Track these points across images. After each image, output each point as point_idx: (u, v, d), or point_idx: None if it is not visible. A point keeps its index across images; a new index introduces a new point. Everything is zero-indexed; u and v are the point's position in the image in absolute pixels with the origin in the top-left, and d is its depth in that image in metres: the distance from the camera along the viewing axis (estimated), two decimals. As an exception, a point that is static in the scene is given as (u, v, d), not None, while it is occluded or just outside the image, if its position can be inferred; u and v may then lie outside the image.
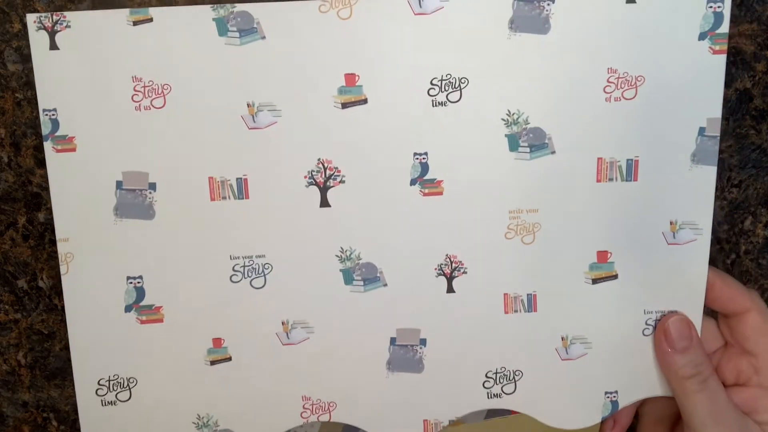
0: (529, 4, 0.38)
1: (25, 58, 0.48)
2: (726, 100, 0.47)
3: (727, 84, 0.47)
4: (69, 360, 0.49)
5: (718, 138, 0.39)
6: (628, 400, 0.42)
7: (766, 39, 0.47)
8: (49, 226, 0.50)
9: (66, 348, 0.49)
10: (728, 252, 0.51)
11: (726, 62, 0.39)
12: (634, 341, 0.42)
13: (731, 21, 0.44)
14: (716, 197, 0.47)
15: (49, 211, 0.49)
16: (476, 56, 0.38)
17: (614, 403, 0.42)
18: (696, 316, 0.42)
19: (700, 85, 0.39)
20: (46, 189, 0.49)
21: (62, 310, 0.49)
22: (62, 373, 0.49)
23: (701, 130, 0.39)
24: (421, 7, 0.38)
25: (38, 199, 0.50)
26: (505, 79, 0.38)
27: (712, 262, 0.48)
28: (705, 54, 0.38)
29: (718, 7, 0.38)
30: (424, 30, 0.38)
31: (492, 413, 0.49)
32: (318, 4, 0.37)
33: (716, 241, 0.51)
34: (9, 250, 0.50)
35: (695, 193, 0.40)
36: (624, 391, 0.42)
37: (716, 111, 0.39)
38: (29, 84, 0.48)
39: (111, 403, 0.42)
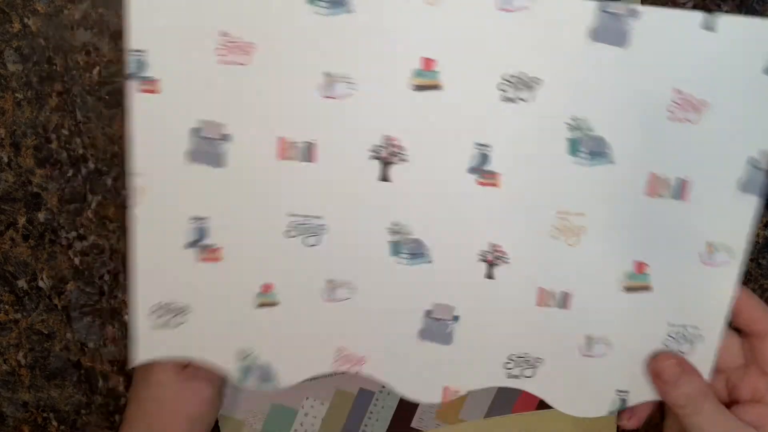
0: (614, 17, 0.39)
1: (25, 58, 0.49)
2: None
3: None
4: (69, 360, 0.51)
5: (765, 171, 0.41)
6: (636, 401, 0.44)
7: None
8: (48, 226, 0.51)
9: (66, 348, 0.51)
10: None
11: None
12: (652, 347, 0.43)
13: None
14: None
15: (49, 211, 0.51)
16: (552, 59, 0.39)
17: (623, 401, 0.44)
18: (714, 337, 0.43)
19: (759, 116, 0.40)
20: (46, 189, 0.51)
21: (62, 310, 0.50)
22: (62, 373, 0.51)
23: (751, 160, 0.40)
24: (506, 3, 0.38)
25: (38, 199, 0.51)
26: (576, 85, 0.40)
27: None
28: (767, 88, 0.40)
29: None
30: (505, 26, 0.39)
31: (493, 411, 0.52)
32: None
33: None
34: (9, 250, 0.51)
35: (736, 220, 0.41)
36: (634, 392, 0.44)
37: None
38: (29, 84, 0.49)
39: (163, 325, 0.43)
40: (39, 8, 0.48)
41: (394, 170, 0.41)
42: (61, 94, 0.50)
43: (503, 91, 0.39)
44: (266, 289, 0.43)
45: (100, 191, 0.51)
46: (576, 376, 0.44)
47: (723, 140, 0.40)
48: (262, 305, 0.43)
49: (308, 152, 0.41)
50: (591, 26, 0.39)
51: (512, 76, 0.39)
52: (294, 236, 0.42)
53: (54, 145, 0.51)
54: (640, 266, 0.42)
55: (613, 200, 0.41)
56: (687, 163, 0.41)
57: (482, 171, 0.41)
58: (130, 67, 0.40)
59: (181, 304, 0.43)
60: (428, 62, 0.39)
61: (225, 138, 0.40)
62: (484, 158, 0.40)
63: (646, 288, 0.42)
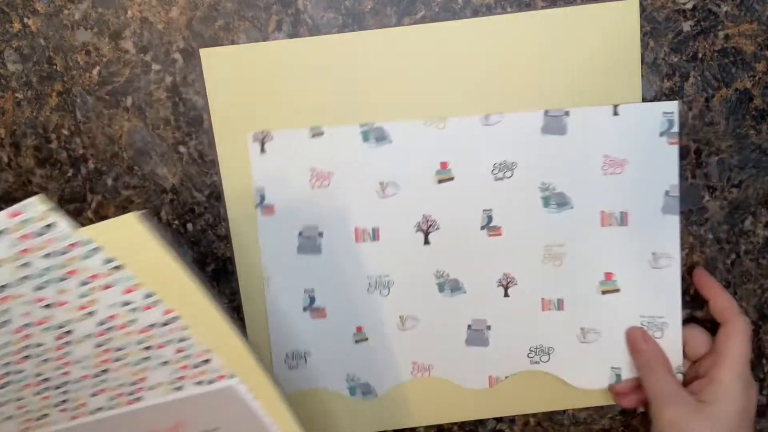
0: (555, 118, 0.49)
1: (25, 58, 0.48)
2: (726, 100, 0.50)
3: (727, 84, 0.50)
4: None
5: (678, 197, 0.49)
6: (628, 375, 0.52)
7: (766, 39, 0.49)
8: None
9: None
10: (728, 252, 0.53)
11: (676, 117, 0.49)
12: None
13: (731, 21, 0.49)
14: (716, 197, 0.51)
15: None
16: (521, 148, 0.50)
17: (618, 376, 0.53)
18: (677, 321, 0.51)
19: (664, 163, 0.50)
20: (46, 189, 0.50)
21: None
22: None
23: (666, 192, 0.50)
24: (488, 121, 0.50)
25: None
26: (540, 162, 0.50)
27: (713, 262, 0.52)
28: (665, 145, 0.49)
29: (671, 115, 0.49)
30: (488, 134, 0.50)
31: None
32: (423, 121, 0.49)
33: (716, 241, 0.52)
34: None
35: (667, 233, 0.50)
36: (625, 368, 0.53)
37: (675, 179, 0.49)
38: (29, 84, 0.48)
39: (293, 367, 0.53)
40: (39, 8, 0.47)
41: (432, 236, 0.52)
42: (61, 94, 0.49)
43: (494, 174, 0.51)
44: (359, 330, 0.53)
45: (100, 191, 0.51)
46: (579, 357, 0.53)
47: (644, 182, 0.50)
48: (358, 342, 0.53)
49: (375, 234, 0.51)
50: (541, 125, 0.50)
51: (498, 164, 0.51)
52: (372, 291, 0.52)
53: (54, 145, 0.50)
54: (608, 275, 0.52)
55: (580, 233, 0.51)
56: (624, 201, 0.50)
57: (489, 227, 0.51)
58: (256, 199, 0.50)
59: (303, 350, 0.53)
60: (444, 164, 0.51)
61: (320, 235, 0.51)
62: (489, 219, 0.51)
63: (616, 290, 0.52)
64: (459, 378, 0.55)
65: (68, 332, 0.38)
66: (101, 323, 0.38)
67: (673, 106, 0.49)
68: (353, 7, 0.49)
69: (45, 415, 0.42)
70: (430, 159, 0.51)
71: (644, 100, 0.50)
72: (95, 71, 0.49)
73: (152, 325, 0.39)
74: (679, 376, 0.52)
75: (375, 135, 0.50)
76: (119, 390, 0.42)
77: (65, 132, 0.49)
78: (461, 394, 0.55)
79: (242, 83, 0.49)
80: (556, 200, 0.51)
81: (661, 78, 0.50)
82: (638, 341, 0.50)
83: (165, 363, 0.40)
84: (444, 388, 0.55)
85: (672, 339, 0.52)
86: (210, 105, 0.49)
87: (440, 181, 0.51)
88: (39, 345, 0.39)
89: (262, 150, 0.50)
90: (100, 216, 0.50)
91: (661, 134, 0.49)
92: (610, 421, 0.56)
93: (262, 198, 0.51)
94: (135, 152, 0.50)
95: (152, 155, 0.50)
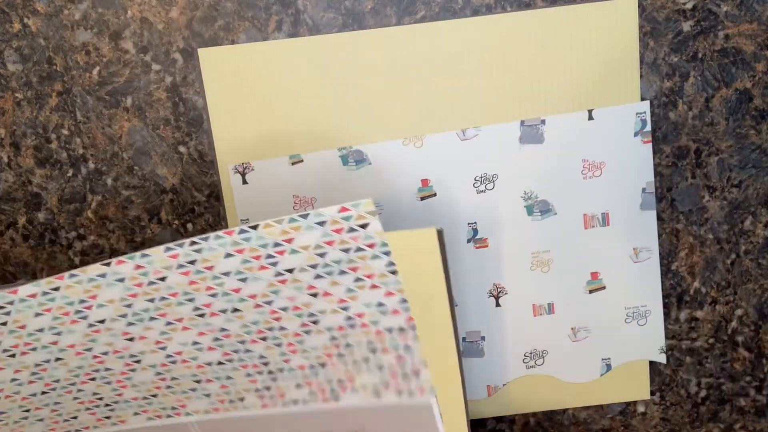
0: (531, 127, 0.50)
1: (25, 58, 0.48)
2: (726, 100, 0.50)
3: (727, 84, 0.50)
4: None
5: (654, 193, 0.51)
6: (618, 363, 0.54)
7: (766, 39, 0.49)
8: (48, 226, 0.50)
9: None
10: (728, 252, 0.53)
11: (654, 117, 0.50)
12: (619, 326, 0.54)
13: (731, 21, 0.49)
14: (716, 197, 0.52)
15: (49, 211, 0.50)
16: (501, 160, 0.51)
17: (608, 366, 0.54)
18: (659, 308, 0.53)
19: (639, 162, 0.51)
20: (46, 189, 0.49)
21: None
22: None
23: (643, 189, 0.52)
24: (465, 135, 0.50)
25: (38, 199, 0.49)
26: (520, 172, 0.51)
27: (713, 261, 0.53)
28: (639, 144, 0.51)
29: (643, 115, 0.50)
30: (467, 148, 0.51)
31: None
32: (401, 141, 0.50)
33: (716, 241, 0.53)
34: (9, 250, 0.49)
35: (646, 228, 0.52)
36: (614, 357, 0.54)
37: (650, 176, 0.51)
38: (29, 84, 0.48)
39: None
40: (39, 8, 0.47)
41: None
42: (61, 94, 0.49)
43: (476, 186, 0.52)
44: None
45: (100, 191, 0.51)
46: (571, 355, 0.54)
47: (622, 182, 0.51)
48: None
49: None
50: (518, 135, 0.51)
51: (479, 177, 0.52)
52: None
53: (54, 145, 0.49)
54: (594, 275, 0.53)
55: (565, 237, 0.52)
56: (605, 202, 0.52)
57: (476, 239, 0.52)
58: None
59: None
60: (425, 181, 0.51)
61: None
62: (475, 231, 0.52)
63: (602, 288, 0.53)
64: (456, 387, 0.54)
65: (315, 321, 0.41)
66: (349, 318, 0.41)
67: (644, 106, 0.50)
68: (353, 7, 0.49)
69: (241, 399, 0.44)
70: (410, 177, 0.52)
71: (643, 99, 0.51)
72: (95, 71, 0.49)
73: (390, 329, 0.41)
74: (663, 357, 0.54)
75: (354, 158, 0.51)
76: (325, 386, 0.43)
77: (65, 132, 0.50)
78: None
79: (241, 83, 0.50)
80: (539, 208, 0.53)
81: (661, 78, 0.50)
82: None
83: (380, 367, 0.42)
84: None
85: (655, 324, 0.54)
86: (209, 105, 0.50)
87: (423, 198, 0.52)
88: (272, 328, 0.41)
89: (244, 181, 0.51)
90: (100, 216, 0.51)
91: (635, 134, 0.51)
92: (610, 421, 0.56)
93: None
94: (135, 152, 0.50)
95: (152, 155, 0.51)
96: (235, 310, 0.41)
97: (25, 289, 0.39)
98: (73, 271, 0.38)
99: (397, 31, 0.50)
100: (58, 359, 0.42)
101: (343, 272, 0.39)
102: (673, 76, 0.50)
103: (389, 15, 0.49)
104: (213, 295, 0.40)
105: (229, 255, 0.39)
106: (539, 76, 0.50)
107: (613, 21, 0.50)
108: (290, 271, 0.39)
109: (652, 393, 0.56)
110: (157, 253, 0.38)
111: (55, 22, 0.48)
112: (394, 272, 0.38)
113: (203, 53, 0.49)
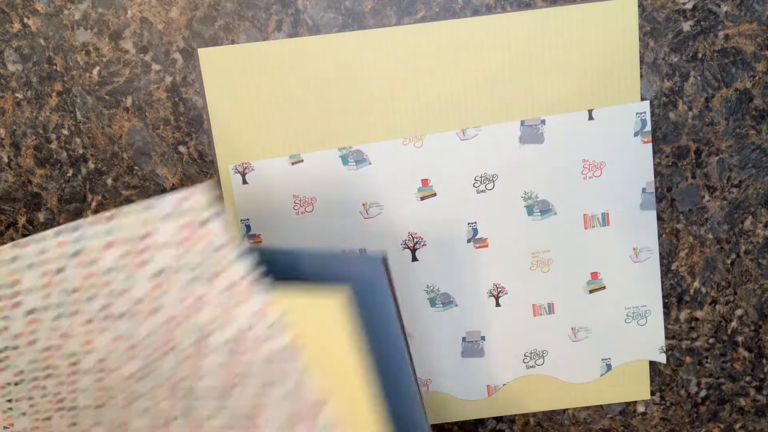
0: (531, 127, 0.51)
1: (25, 58, 0.48)
2: (726, 100, 0.51)
3: (727, 84, 0.50)
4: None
5: (654, 193, 0.51)
6: (618, 363, 0.54)
7: (766, 39, 0.50)
8: (48, 226, 0.50)
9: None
10: (728, 252, 0.53)
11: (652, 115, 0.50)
12: (619, 326, 0.54)
13: (731, 21, 0.49)
14: (716, 197, 0.52)
15: (49, 211, 0.50)
16: (501, 160, 0.51)
17: (608, 366, 0.55)
18: (659, 308, 0.54)
19: (639, 162, 0.51)
20: (46, 189, 0.50)
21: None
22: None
23: (643, 189, 0.52)
24: (465, 135, 0.51)
25: (38, 199, 0.49)
26: (520, 172, 0.51)
27: (713, 261, 0.53)
28: (639, 144, 0.51)
29: (643, 115, 0.50)
30: (467, 148, 0.51)
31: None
32: (401, 141, 0.50)
33: (716, 241, 0.53)
34: None
35: (646, 228, 0.52)
36: (614, 357, 0.55)
37: (650, 176, 0.51)
38: (29, 84, 0.48)
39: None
40: (39, 8, 0.47)
41: (420, 253, 0.53)
42: (61, 94, 0.49)
43: (476, 186, 0.52)
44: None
45: (100, 191, 0.51)
46: (571, 355, 0.55)
47: (621, 182, 0.52)
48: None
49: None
50: (518, 135, 0.51)
51: (479, 177, 0.52)
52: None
53: (54, 145, 0.49)
54: (594, 275, 0.53)
55: (565, 237, 0.53)
56: (605, 202, 0.52)
57: (476, 239, 0.53)
58: (242, 230, 0.51)
59: None
60: (425, 181, 0.52)
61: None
62: (475, 231, 0.53)
63: (602, 288, 0.54)
64: (458, 391, 0.56)
65: (203, 339, 0.38)
66: (229, 340, 0.38)
67: (644, 106, 0.50)
68: (353, 7, 0.49)
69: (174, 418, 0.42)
70: (410, 177, 0.52)
71: (643, 99, 0.51)
72: (95, 71, 0.49)
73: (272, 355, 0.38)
74: (663, 357, 0.54)
75: (354, 158, 0.51)
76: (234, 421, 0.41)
77: (65, 132, 0.50)
78: (460, 404, 0.56)
79: (241, 83, 0.50)
80: (539, 208, 0.53)
81: (661, 78, 0.51)
82: None
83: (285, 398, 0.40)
84: (443, 400, 0.56)
85: (655, 324, 0.54)
86: (209, 105, 0.50)
87: (423, 198, 0.52)
88: (174, 347, 0.38)
89: (244, 181, 0.51)
90: (99, 216, 0.51)
91: (635, 134, 0.51)
92: (610, 421, 0.56)
93: (248, 228, 0.52)
94: (135, 152, 0.51)
95: (152, 155, 0.51)
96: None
97: None
98: None
99: (397, 31, 0.50)
100: (15, 347, 0.40)
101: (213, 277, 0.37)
102: (673, 76, 0.51)
103: (389, 15, 0.49)
104: (110, 294, 0.38)
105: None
106: (539, 76, 0.50)
107: (613, 21, 0.49)
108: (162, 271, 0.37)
109: (652, 393, 0.56)
110: (49, 238, 0.36)
111: (55, 22, 0.48)
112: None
113: (203, 53, 0.49)
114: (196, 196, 0.34)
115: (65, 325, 0.39)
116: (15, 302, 0.38)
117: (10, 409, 0.43)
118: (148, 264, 0.36)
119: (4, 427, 0.43)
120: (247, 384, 0.39)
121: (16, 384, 0.42)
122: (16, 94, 0.48)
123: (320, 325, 0.37)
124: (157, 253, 0.36)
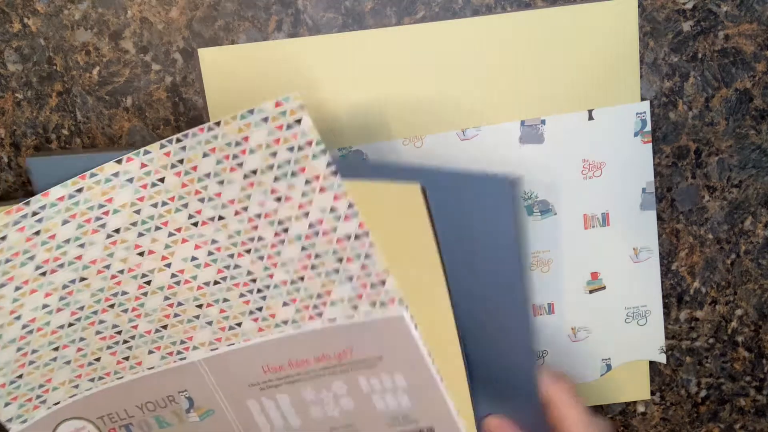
0: (531, 127, 0.51)
1: (25, 58, 0.47)
2: (726, 100, 0.51)
3: (727, 84, 0.51)
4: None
5: (654, 193, 0.52)
6: (618, 363, 0.55)
7: (766, 39, 0.50)
8: None
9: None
10: (728, 252, 0.54)
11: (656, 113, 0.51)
12: (619, 326, 0.55)
13: (731, 21, 0.49)
14: (716, 197, 0.52)
15: None
16: (501, 160, 0.51)
17: (608, 366, 0.55)
18: (659, 308, 0.54)
19: (639, 162, 0.52)
20: None
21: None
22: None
23: (643, 189, 0.52)
24: (465, 135, 0.51)
25: None
26: (520, 171, 0.51)
27: (713, 261, 0.54)
28: (639, 144, 0.52)
29: (643, 115, 0.51)
30: (466, 148, 0.51)
31: None
32: (401, 141, 0.50)
33: (716, 241, 0.53)
34: None
35: (646, 228, 0.53)
36: (614, 357, 0.55)
37: (650, 176, 0.52)
38: (29, 84, 0.48)
39: None
40: (39, 8, 0.47)
41: None
42: (61, 94, 0.49)
43: None
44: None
45: None
46: (571, 356, 0.55)
47: (622, 182, 0.52)
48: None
49: None
50: (518, 135, 0.51)
51: None
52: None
53: (54, 146, 0.49)
54: (594, 275, 0.54)
55: (565, 237, 0.53)
56: (605, 202, 0.52)
57: None
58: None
59: None
60: None
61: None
62: None
63: (602, 288, 0.54)
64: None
65: (286, 230, 0.42)
66: (311, 225, 0.41)
67: (644, 106, 0.51)
68: (353, 7, 0.49)
69: (239, 324, 0.45)
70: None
71: (643, 99, 0.51)
72: (95, 71, 0.49)
73: (348, 236, 0.41)
74: (663, 357, 0.55)
75: (354, 158, 0.51)
76: (307, 302, 0.44)
77: (65, 132, 0.50)
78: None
79: (241, 83, 0.50)
80: (539, 208, 0.53)
81: (661, 78, 0.51)
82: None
83: (350, 278, 0.42)
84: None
85: (655, 324, 0.55)
86: (209, 105, 0.50)
87: None
88: (259, 239, 0.43)
89: None
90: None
91: (636, 134, 0.52)
92: (610, 421, 0.57)
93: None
94: (135, 152, 0.50)
95: (152, 155, 0.52)
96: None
97: (55, 191, 0.41)
98: (93, 170, 0.41)
99: (397, 31, 0.50)
100: (82, 279, 0.43)
101: (295, 174, 0.41)
102: (673, 76, 0.51)
103: (389, 15, 0.49)
104: (201, 200, 0.42)
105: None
106: (539, 76, 0.51)
107: (613, 21, 0.50)
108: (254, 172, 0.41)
109: (652, 393, 0.56)
110: (155, 150, 0.41)
111: (55, 22, 0.48)
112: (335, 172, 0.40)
113: (203, 53, 0.49)
114: (288, 102, 0.38)
115: (147, 242, 0.43)
116: (100, 224, 0.43)
117: (54, 360, 0.45)
118: (243, 167, 0.40)
119: (40, 385, 0.46)
120: (321, 266, 0.43)
121: (70, 325, 0.45)
122: (16, 94, 0.48)
123: (394, 211, 0.41)
124: (249, 156, 0.40)
